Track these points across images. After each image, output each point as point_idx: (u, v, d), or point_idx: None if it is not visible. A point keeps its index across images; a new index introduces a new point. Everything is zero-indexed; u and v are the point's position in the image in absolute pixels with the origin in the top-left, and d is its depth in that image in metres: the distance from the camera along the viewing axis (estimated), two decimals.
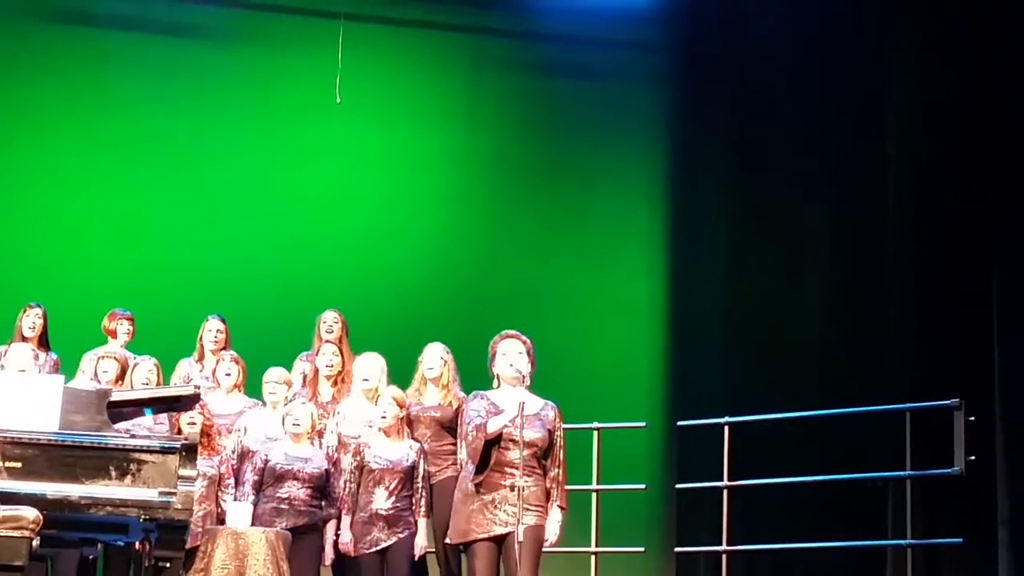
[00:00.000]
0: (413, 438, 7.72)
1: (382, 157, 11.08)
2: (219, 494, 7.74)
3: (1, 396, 6.29)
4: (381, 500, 7.51)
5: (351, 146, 11.07)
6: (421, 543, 7.55)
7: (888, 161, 9.94)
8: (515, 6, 11.31)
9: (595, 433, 8.78)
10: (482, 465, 6.61)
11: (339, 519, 7.64)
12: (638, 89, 11.28)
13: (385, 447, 7.59)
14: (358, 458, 7.57)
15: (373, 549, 7.48)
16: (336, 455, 7.84)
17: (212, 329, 8.67)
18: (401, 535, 7.49)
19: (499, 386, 6.79)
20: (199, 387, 7.44)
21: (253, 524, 7.53)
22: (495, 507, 6.58)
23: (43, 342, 8.78)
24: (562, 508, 6.71)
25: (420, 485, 7.58)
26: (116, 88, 10.77)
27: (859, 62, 10.21)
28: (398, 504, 7.52)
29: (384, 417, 7.60)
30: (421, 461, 7.60)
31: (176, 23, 10.96)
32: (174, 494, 6.24)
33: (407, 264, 10.83)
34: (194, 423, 7.76)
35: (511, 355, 6.72)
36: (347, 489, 7.58)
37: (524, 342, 6.78)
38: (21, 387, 6.46)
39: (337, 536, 7.62)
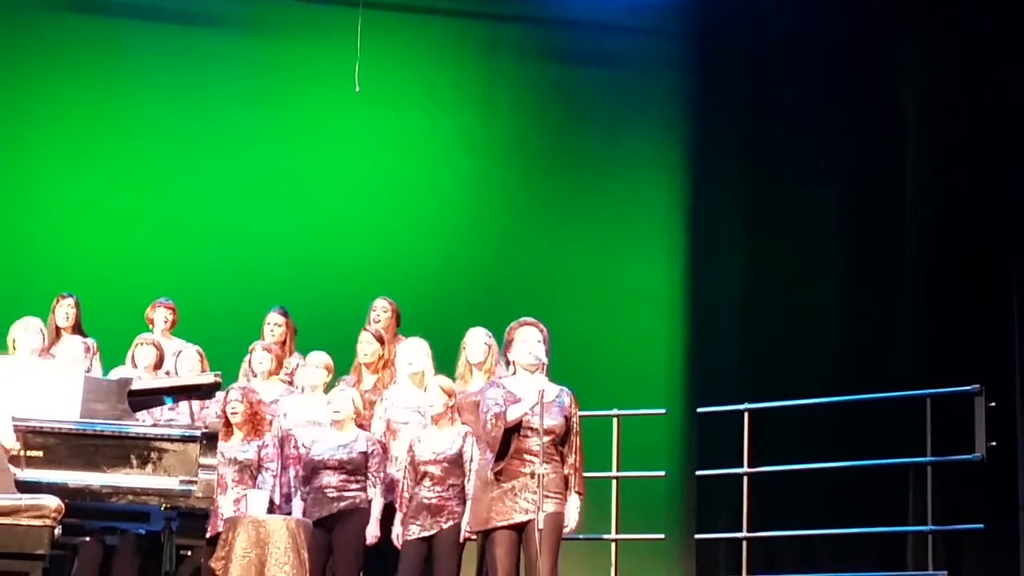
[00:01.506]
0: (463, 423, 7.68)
1: (400, 144, 11.07)
2: (258, 479, 7.75)
3: (22, 385, 6.31)
4: (425, 490, 7.44)
5: (369, 134, 11.06)
6: (465, 526, 7.40)
7: (905, 145, 9.92)
8: None
9: (614, 420, 8.76)
10: (501, 453, 6.61)
11: (388, 503, 7.60)
12: (655, 76, 11.25)
13: (433, 438, 7.52)
14: (411, 454, 7.53)
15: (416, 537, 7.44)
16: (385, 441, 7.81)
17: (271, 322, 8.73)
18: (445, 525, 7.41)
19: (515, 373, 6.78)
20: (219, 375, 7.46)
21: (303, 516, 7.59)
22: (515, 495, 6.58)
23: (78, 332, 8.82)
24: (580, 494, 6.71)
25: (469, 468, 7.42)
26: (131, 78, 10.76)
27: (875, 50, 10.18)
28: (444, 494, 7.42)
29: (432, 406, 7.56)
30: (469, 446, 7.46)
31: (193, 12, 10.95)
32: (195, 482, 6.27)
33: (425, 251, 10.83)
34: (236, 412, 7.78)
35: (530, 342, 6.70)
36: (403, 487, 7.52)
37: (541, 330, 6.75)
38: (42, 376, 6.49)
39: (382, 519, 7.59)
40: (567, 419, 6.70)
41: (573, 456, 6.70)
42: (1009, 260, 9.19)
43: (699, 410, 9.45)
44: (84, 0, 10.84)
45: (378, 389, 8.17)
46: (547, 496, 6.49)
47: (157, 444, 6.34)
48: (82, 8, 10.81)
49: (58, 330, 8.72)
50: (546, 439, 6.53)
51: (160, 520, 6.37)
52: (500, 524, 6.56)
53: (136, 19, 10.86)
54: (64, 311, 8.81)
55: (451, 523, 7.44)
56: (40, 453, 6.17)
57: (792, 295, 10.29)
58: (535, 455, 6.52)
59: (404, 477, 7.54)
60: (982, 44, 9.48)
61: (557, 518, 6.56)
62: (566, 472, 6.68)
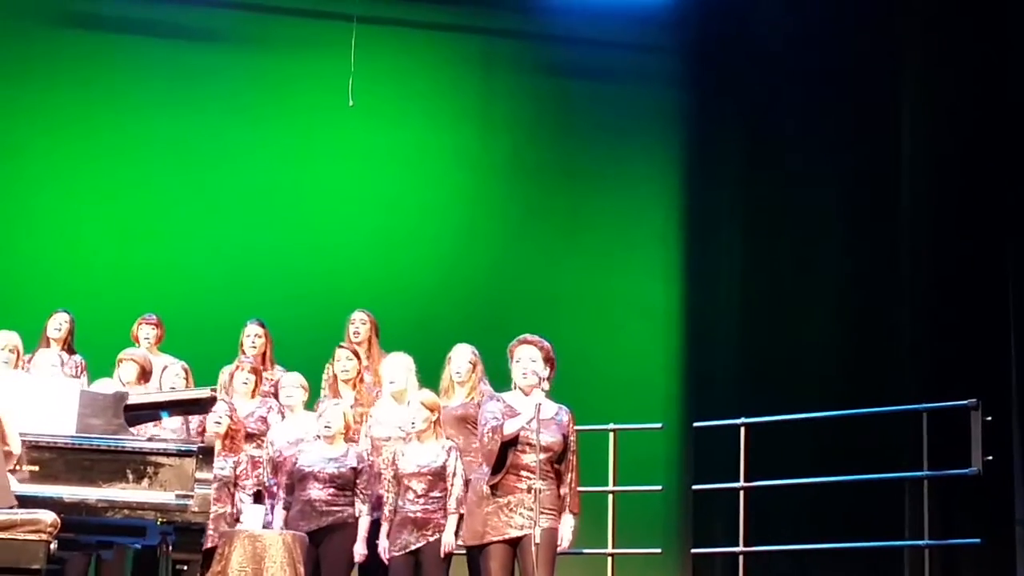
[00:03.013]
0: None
1: (395, 159, 11.08)
2: (235, 495, 7.74)
3: (19, 400, 6.29)
4: (410, 504, 7.45)
5: (364, 148, 11.07)
6: (448, 540, 7.39)
7: (901, 159, 9.93)
8: (527, 7, 11.31)
9: (611, 435, 8.77)
10: (497, 467, 6.60)
11: (375, 520, 7.59)
12: (651, 91, 11.27)
13: (416, 451, 7.53)
14: (394, 467, 7.54)
15: (403, 551, 7.44)
16: (371, 459, 7.81)
17: (251, 334, 8.74)
18: (431, 538, 7.41)
19: (515, 388, 6.78)
20: (215, 390, 7.45)
21: (285, 527, 7.57)
22: (511, 510, 6.58)
23: (68, 347, 8.81)
24: (574, 513, 6.71)
25: (451, 483, 7.42)
26: (127, 92, 10.78)
27: (871, 61, 10.20)
28: (427, 506, 7.43)
29: (414, 423, 7.55)
30: (453, 460, 7.45)
31: (188, 27, 10.97)
32: (191, 497, 6.24)
33: (421, 265, 10.83)
34: (220, 423, 7.78)
35: (524, 361, 6.72)
36: (388, 500, 7.53)
37: (541, 348, 6.75)
38: (39, 391, 6.48)
39: (368, 535, 7.59)
40: (565, 437, 6.70)
41: (569, 474, 6.70)
42: (1006, 274, 9.19)
43: (695, 424, 9.46)
44: (80, 15, 10.85)
45: (358, 403, 8.17)
46: (543, 512, 6.49)
47: (153, 459, 6.32)
48: (78, 24, 10.82)
49: (48, 342, 8.71)
50: (543, 456, 6.54)
51: (156, 535, 6.34)
52: (495, 539, 6.55)
53: (132, 34, 10.87)
54: (56, 323, 8.83)
55: (437, 536, 7.43)
56: (36, 467, 6.15)
57: (789, 309, 10.30)
58: (532, 471, 6.53)
59: (387, 491, 7.54)
60: (982, 49, 9.49)
61: (552, 534, 6.57)
62: (562, 491, 6.69)
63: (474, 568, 7.51)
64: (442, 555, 7.39)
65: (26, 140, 10.62)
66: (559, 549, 6.68)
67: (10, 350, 8.21)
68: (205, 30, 11.03)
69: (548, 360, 6.74)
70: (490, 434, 6.60)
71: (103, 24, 10.88)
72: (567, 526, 6.68)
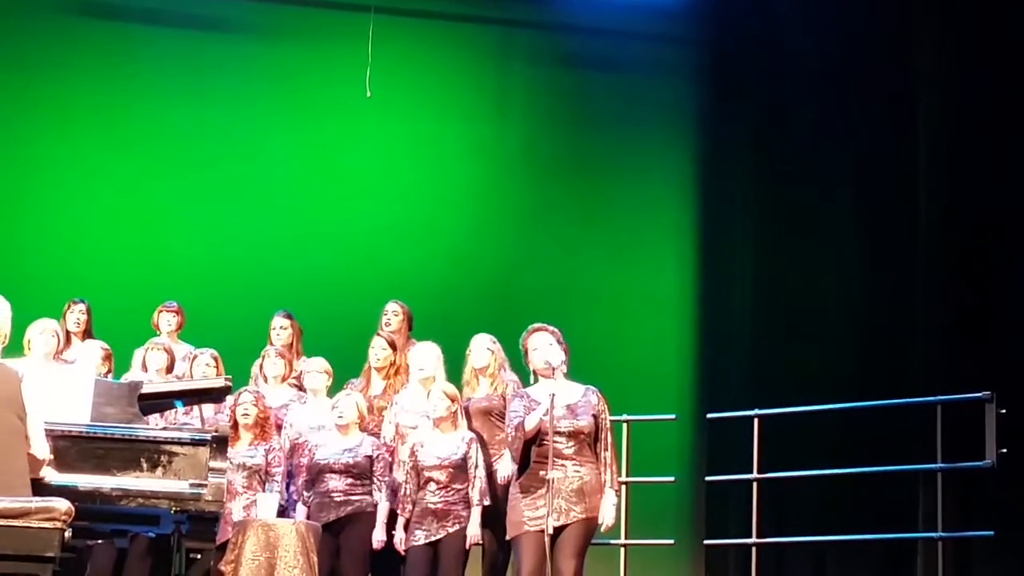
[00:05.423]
0: (471, 429, 7.71)
1: (411, 150, 11.09)
2: (266, 483, 7.79)
3: (34, 389, 6.32)
4: (431, 495, 7.50)
5: (380, 139, 11.08)
6: (473, 532, 7.49)
7: (917, 151, 9.90)
8: None
9: (624, 426, 8.77)
10: (524, 462, 6.64)
11: (392, 508, 7.63)
12: (667, 82, 11.26)
13: (437, 443, 7.57)
14: (413, 459, 7.57)
15: (422, 542, 7.48)
16: (395, 445, 7.84)
17: (276, 326, 8.78)
18: (451, 529, 7.47)
19: (536, 381, 6.81)
20: (229, 379, 7.46)
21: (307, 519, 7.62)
22: (543, 500, 6.59)
23: (88, 337, 8.80)
24: (615, 491, 6.70)
25: (473, 474, 7.50)
26: (144, 83, 10.79)
27: (888, 53, 10.17)
28: (448, 498, 7.49)
29: (435, 408, 7.59)
30: (474, 451, 7.52)
31: (205, 17, 10.98)
32: (205, 486, 6.27)
33: (436, 257, 10.84)
34: (248, 413, 7.81)
35: (542, 348, 6.74)
36: (405, 491, 7.56)
37: (552, 332, 6.79)
38: (53, 380, 6.51)
39: (387, 523, 7.62)
40: (596, 417, 6.70)
41: (605, 452, 6.68)
42: (1021, 267, 9.17)
43: (709, 416, 9.46)
44: (95, 5, 10.88)
45: (388, 394, 8.20)
46: (577, 500, 6.50)
47: (167, 447, 6.35)
48: (93, 13, 10.85)
49: (68, 335, 8.72)
50: (573, 441, 6.56)
51: (170, 523, 6.37)
52: (529, 529, 6.56)
53: (147, 24, 10.89)
54: (75, 317, 8.82)
55: (457, 527, 7.48)
56: (51, 456, 6.18)
57: (802, 301, 10.28)
58: (566, 458, 6.54)
59: (406, 482, 7.56)
60: (999, 44, 9.47)
61: (582, 525, 6.54)
62: (600, 469, 6.67)
63: (491, 555, 7.61)
64: (467, 547, 7.48)
65: (41, 130, 10.63)
66: (602, 529, 6.68)
67: (51, 334, 8.10)
68: (222, 20, 11.04)
69: (561, 344, 6.78)
70: (513, 432, 6.65)
71: (119, 14, 10.90)
72: (608, 504, 6.63)
